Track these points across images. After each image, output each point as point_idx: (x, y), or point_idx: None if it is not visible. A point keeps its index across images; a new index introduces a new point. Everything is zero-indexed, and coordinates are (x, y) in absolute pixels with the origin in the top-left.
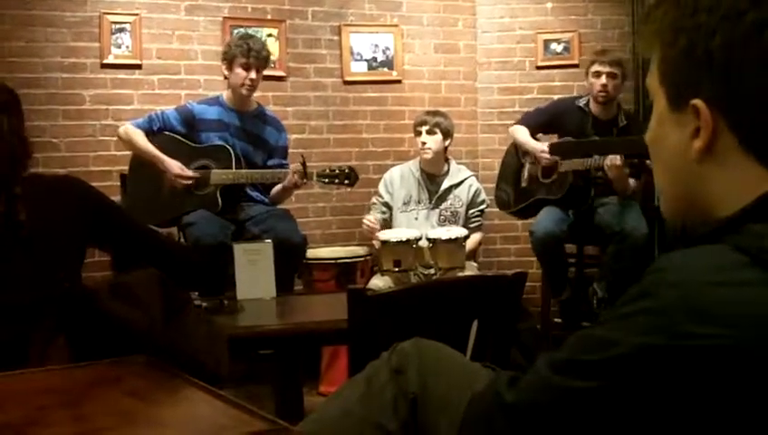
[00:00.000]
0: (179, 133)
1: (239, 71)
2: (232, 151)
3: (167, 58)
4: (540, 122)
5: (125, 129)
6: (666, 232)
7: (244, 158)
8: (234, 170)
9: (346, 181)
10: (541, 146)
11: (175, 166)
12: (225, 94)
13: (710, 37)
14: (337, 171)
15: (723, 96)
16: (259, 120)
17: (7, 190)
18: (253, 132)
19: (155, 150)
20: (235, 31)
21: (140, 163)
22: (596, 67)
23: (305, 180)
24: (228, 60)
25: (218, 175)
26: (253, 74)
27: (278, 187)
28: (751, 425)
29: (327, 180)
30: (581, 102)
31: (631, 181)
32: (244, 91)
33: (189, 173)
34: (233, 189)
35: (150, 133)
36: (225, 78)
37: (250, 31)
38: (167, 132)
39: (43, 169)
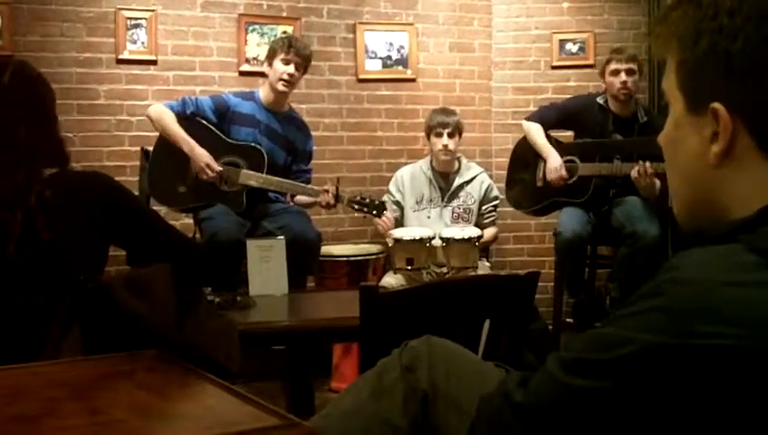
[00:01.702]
0: (211, 122)
1: (279, 65)
2: (265, 155)
3: (182, 54)
4: (556, 119)
5: (156, 108)
6: (678, 234)
7: (270, 157)
8: (265, 175)
9: (374, 213)
10: (558, 161)
11: (205, 156)
12: (262, 92)
13: (731, 40)
14: (368, 201)
15: (743, 100)
16: (290, 122)
17: (23, 200)
18: (282, 134)
19: (185, 135)
20: (251, 28)
21: (169, 143)
22: (613, 65)
23: (336, 203)
24: (269, 56)
25: (248, 176)
26: (291, 69)
27: (308, 199)
28: (759, 426)
29: (357, 207)
30: (601, 100)
31: (657, 182)
32: (280, 86)
33: (217, 168)
34: (258, 192)
35: (183, 117)
36: (265, 75)
37: (265, 28)
38: (199, 119)
39: None
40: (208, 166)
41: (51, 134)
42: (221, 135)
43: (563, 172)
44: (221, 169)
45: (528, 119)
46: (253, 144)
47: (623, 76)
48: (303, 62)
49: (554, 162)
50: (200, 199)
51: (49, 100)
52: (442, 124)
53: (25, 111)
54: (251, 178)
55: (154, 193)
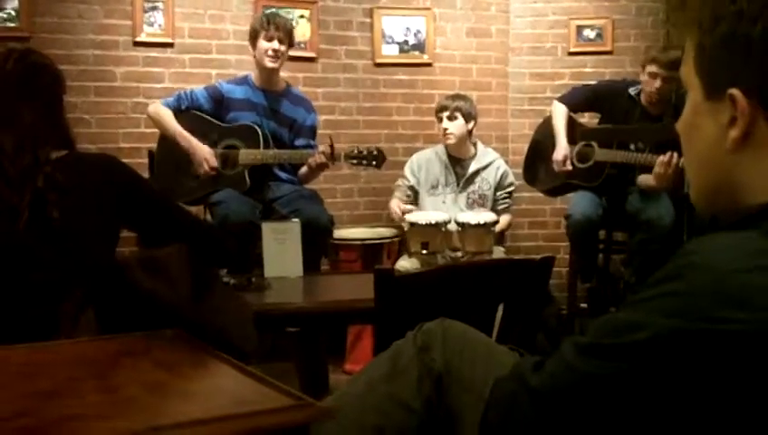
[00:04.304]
0: (207, 112)
1: (262, 43)
2: (260, 131)
3: (198, 37)
4: (585, 100)
5: (154, 107)
6: (694, 220)
7: (273, 137)
8: (262, 150)
9: (374, 163)
10: (562, 152)
11: (203, 151)
12: (254, 74)
13: (751, 25)
14: (365, 152)
15: (761, 85)
16: (288, 99)
17: (32, 180)
18: (281, 112)
19: (183, 131)
20: (267, 11)
21: (169, 141)
22: (653, 68)
23: (333, 161)
24: (252, 37)
25: (246, 155)
26: (275, 44)
27: (305, 167)
28: None
29: (355, 161)
30: (633, 91)
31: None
32: (268, 62)
33: (214, 163)
34: (261, 169)
35: (178, 112)
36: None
37: (282, 12)
38: (194, 111)
39: None
40: (206, 160)
41: (55, 119)
42: (217, 122)
43: (567, 166)
44: (217, 165)
45: (559, 99)
46: (248, 123)
47: (658, 82)
48: (286, 36)
49: (559, 153)
50: (206, 188)
51: (54, 86)
52: (441, 108)
53: (28, 96)
54: (249, 156)
55: (162, 190)
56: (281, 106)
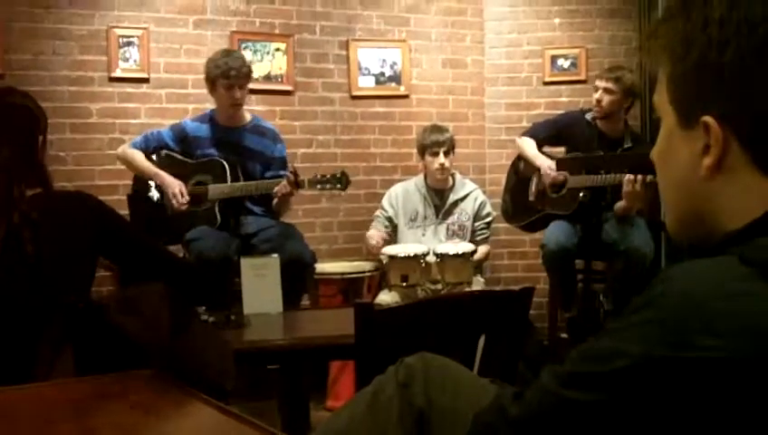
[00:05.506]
0: (175, 151)
1: (222, 92)
2: (227, 165)
3: (174, 72)
4: (548, 134)
5: (123, 149)
6: (672, 247)
7: (243, 173)
8: (229, 184)
9: (338, 185)
10: (548, 162)
11: (175, 184)
12: (217, 112)
13: (721, 51)
14: (328, 176)
15: (734, 112)
16: (252, 132)
17: (6, 216)
18: (247, 146)
19: (154, 168)
20: (243, 45)
21: (142, 182)
22: (596, 82)
23: (297, 188)
24: (210, 81)
25: (214, 190)
26: (237, 93)
27: (276, 199)
28: None
29: (319, 186)
30: (589, 117)
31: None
32: (231, 110)
33: (186, 197)
34: (232, 203)
35: (147, 152)
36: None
37: (258, 45)
38: (164, 151)
39: None
40: (175, 195)
41: (33, 158)
42: (185, 159)
43: (557, 174)
44: (188, 198)
45: (524, 134)
46: (215, 158)
47: (598, 94)
48: (246, 79)
49: (546, 166)
50: (178, 227)
51: (32, 126)
52: (437, 143)
53: (6, 135)
54: (217, 190)
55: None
56: (246, 140)
